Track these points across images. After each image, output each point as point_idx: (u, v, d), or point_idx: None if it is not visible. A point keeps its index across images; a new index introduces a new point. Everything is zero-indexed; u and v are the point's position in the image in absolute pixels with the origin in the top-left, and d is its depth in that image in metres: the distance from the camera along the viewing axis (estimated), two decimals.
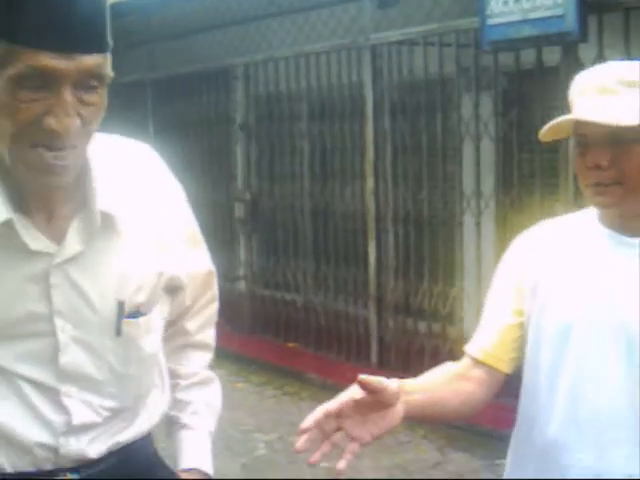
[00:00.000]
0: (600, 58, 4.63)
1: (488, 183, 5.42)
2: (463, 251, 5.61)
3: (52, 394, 1.53)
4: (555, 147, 4.97)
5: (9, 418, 1.52)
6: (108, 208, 1.50)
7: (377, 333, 6.15)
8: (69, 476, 1.56)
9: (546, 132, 1.68)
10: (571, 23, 4.51)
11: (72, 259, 1.49)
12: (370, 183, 6.08)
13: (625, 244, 1.66)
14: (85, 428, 1.56)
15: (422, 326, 5.86)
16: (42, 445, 1.53)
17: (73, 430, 1.55)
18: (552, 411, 1.69)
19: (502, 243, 5.77)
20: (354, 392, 1.55)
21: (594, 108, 1.59)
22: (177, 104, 8.07)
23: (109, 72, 1.41)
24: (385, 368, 5.93)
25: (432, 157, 5.78)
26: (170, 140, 7.88)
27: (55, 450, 1.54)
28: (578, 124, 1.62)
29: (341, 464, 1.52)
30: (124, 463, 1.61)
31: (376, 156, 6.04)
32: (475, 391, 1.77)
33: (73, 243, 1.49)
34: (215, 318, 1.88)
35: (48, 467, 1.54)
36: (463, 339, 5.55)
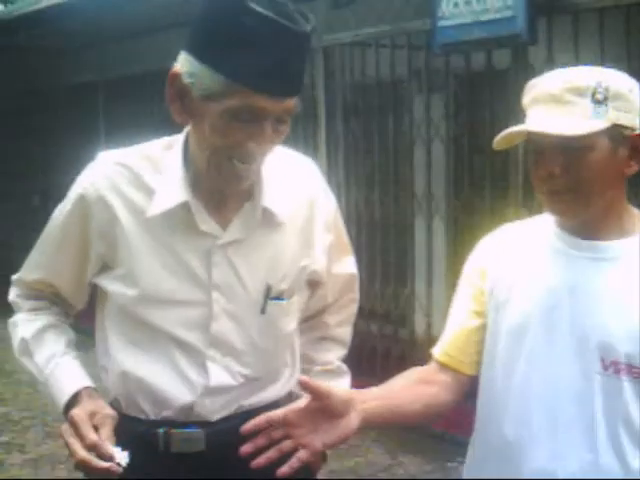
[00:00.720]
0: (550, 60, 4.67)
1: (439, 185, 5.44)
2: (415, 253, 5.62)
3: (199, 357, 1.79)
4: (506, 150, 4.98)
5: (158, 378, 1.79)
6: (270, 205, 1.79)
7: None
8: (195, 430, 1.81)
9: (499, 141, 1.69)
10: (521, 25, 4.53)
11: (233, 243, 1.78)
12: None
13: (580, 247, 1.67)
14: (220, 391, 1.81)
15: (374, 328, 5.85)
16: (182, 402, 1.79)
17: (210, 392, 1.80)
18: (506, 411, 1.70)
19: (453, 245, 5.81)
20: (301, 400, 1.59)
21: (545, 118, 1.59)
22: (129, 105, 7.99)
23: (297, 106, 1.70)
24: None
25: (384, 159, 5.79)
26: (122, 141, 7.74)
27: (191, 407, 1.80)
28: (531, 133, 1.62)
29: (283, 469, 1.53)
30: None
31: (328, 158, 6.03)
32: (439, 394, 1.78)
33: (235, 230, 1.78)
34: (353, 318, 2.16)
35: (181, 419, 1.80)
36: (414, 341, 5.61)
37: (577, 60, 4.52)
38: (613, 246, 1.65)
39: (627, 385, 1.59)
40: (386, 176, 5.80)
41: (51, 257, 1.90)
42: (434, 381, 1.79)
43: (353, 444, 5.22)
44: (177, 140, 1.82)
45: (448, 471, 4.78)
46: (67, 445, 1.69)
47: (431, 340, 5.45)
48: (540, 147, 1.62)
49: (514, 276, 1.73)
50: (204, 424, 1.81)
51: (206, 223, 1.77)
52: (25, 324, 1.91)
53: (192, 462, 1.82)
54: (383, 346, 5.74)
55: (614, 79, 1.61)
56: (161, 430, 1.81)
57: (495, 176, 5.18)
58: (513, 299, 1.71)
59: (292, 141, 6.19)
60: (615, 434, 1.60)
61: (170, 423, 1.81)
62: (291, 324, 1.90)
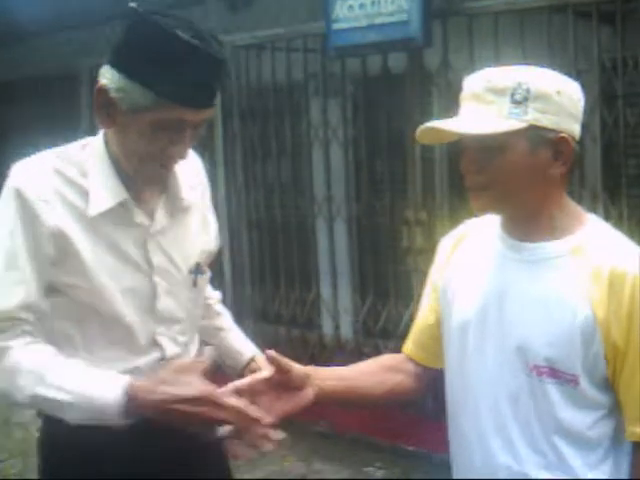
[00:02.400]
0: (445, 64, 4.70)
1: (339, 188, 5.42)
2: (318, 256, 5.60)
3: (151, 335, 2.02)
4: (402, 153, 5.01)
5: (121, 363, 1.96)
6: (182, 194, 2.04)
7: None
8: None
9: (421, 135, 1.72)
10: (415, 29, 4.53)
11: (161, 231, 2.02)
12: (221, 189, 5.96)
13: (514, 248, 1.71)
14: (173, 359, 2.02)
15: (281, 332, 5.81)
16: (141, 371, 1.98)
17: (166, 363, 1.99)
18: (461, 405, 1.79)
19: (356, 247, 5.82)
20: (265, 372, 1.78)
21: (466, 116, 1.63)
22: (19, 109, 7.73)
23: None
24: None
25: (283, 162, 5.73)
26: (13, 145, 7.54)
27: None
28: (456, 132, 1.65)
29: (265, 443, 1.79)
30: None
31: (225, 161, 5.93)
32: (403, 382, 1.93)
33: (161, 219, 2.02)
34: None
35: None
36: (323, 344, 5.59)
37: (472, 63, 4.56)
38: (543, 247, 1.67)
39: (552, 388, 1.63)
40: (285, 179, 5.74)
41: (25, 269, 1.90)
42: (400, 369, 1.94)
43: (266, 452, 5.15)
44: (91, 143, 2.02)
45: (365, 476, 4.78)
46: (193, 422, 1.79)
47: (340, 342, 5.52)
48: (463, 144, 1.66)
49: (461, 276, 1.80)
50: None
51: (139, 216, 1.99)
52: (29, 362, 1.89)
53: (148, 431, 1.89)
54: (292, 350, 5.69)
55: (539, 80, 1.61)
56: None
57: (394, 178, 5.20)
58: (458, 299, 1.78)
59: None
60: (550, 436, 1.65)
61: None
62: (207, 291, 2.26)
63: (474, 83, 1.66)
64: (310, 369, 1.85)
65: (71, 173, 1.94)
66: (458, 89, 4.71)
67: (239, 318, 5.93)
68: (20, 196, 1.89)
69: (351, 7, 4.76)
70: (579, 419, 1.65)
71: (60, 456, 2.04)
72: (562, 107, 1.62)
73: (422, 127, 1.70)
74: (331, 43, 4.91)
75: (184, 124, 1.85)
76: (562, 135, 1.62)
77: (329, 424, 5.18)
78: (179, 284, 2.06)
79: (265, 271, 5.89)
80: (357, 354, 5.37)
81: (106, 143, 1.98)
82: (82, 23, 6.76)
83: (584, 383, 1.62)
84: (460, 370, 1.77)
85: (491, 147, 1.61)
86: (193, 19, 5.77)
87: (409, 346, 1.96)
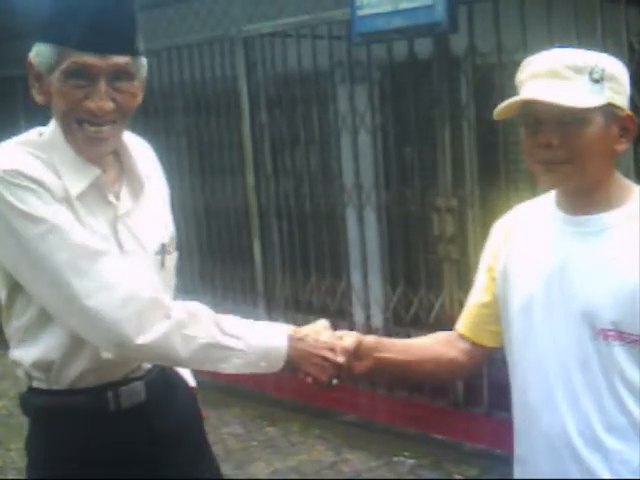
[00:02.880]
0: (471, 48, 4.63)
1: (368, 176, 5.40)
2: (348, 245, 5.57)
3: None
4: (432, 139, 4.96)
5: (96, 348, 1.93)
6: (143, 175, 2.03)
7: None
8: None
9: (500, 111, 1.77)
10: (440, 14, 4.46)
11: (126, 213, 1.99)
12: (250, 179, 5.96)
13: (572, 222, 1.79)
14: None
15: (312, 321, 5.78)
16: (121, 362, 1.98)
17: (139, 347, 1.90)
18: (525, 380, 1.85)
19: (386, 235, 5.78)
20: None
21: (546, 90, 1.69)
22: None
23: (139, 69, 1.91)
24: None
25: (311, 151, 5.71)
26: None
27: (127, 364, 2.01)
28: (527, 105, 1.72)
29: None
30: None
31: (255, 151, 5.92)
32: (457, 358, 2.03)
33: (126, 200, 2.00)
34: None
35: (119, 379, 2.01)
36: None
37: (499, 48, 4.49)
38: (601, 218, 1.76)
39: (619, 350, 1.71)
40: (314, 168, 5.73)
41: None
42: (455, 346, 2.04)
43: (295, 442, 5.19)
44: (45, 129, 1.96)
45: (394, 466, 4.77)
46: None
47: (371, 331, 5.50)
48: (537, 119, 1.72)
49: (519, 256, 1.88)
50: (138, 378, 2.02)
51: (110, 196, 1.97)
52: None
53: (137, 414, 2.03)
54: None
55: (609, 62, 1.75)
56: (109, 392, 1.98)
57: (423, 165, 5.14)
58: (519, 278, 1.86)
59: (216, 133, 6.12)
60: (617, 392, 1.72)
61: (114, 385, 1.99)
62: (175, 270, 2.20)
63: (550, 61, 1.73)
64: (372, 341, 2.05)
65: (43, 157, 1.89)
66: (485, 73, 4.61)
67: (269, 306, 6.03)
68: (21, 175, 1.82)
69: None
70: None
71: (49, 455, 2.03)
72: (625, 88, 1.75)
73: (511, 100, 1.74)
74: (356, 29, 4.87)
75: (93, 73, 1.83)
76: (629, 113, 1.75)
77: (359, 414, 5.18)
78: (150, 265, 2.02)
79: (295, 260, 5.89)
80: None
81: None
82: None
83: None
84: (526, 346, 1.84)
85: (573, 121, 1.69)
86: (218, 7, 5.78)
87: (463, 325, 2.04)
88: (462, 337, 2.03)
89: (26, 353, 1.97)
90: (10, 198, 1.80)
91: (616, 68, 1.75)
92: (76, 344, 1.92)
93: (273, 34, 5.61)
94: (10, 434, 5.42)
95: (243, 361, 1.92)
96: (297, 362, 1.98)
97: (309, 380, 2.02)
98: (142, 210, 2.04)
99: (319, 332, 2.03)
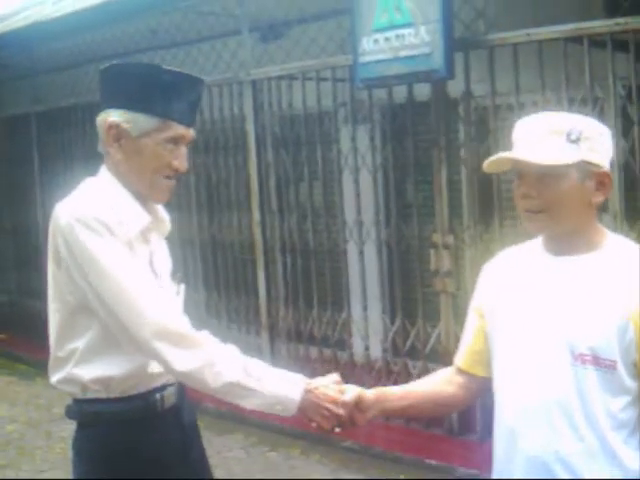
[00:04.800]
0: (467, 93, 4.87)
1: (369, 213, 5.60)
2: (349, 278, 5.77)
3: None
4: (429, 179, 5.18)
5: (143, 359, 2.28)
6: (167, 220, 2.48)
7: (270, 360, 6.22)
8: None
9: (489, 165, 2.02)
10: (438, 61, 4.69)
11: (156, 249, 2.38)
12: (256, 214, 6.17)
13: (556, 262, 2.00)
14: None
15: (313, 352, 5.98)
16: (159, 371, 2.30)
17: None
18: (506, 404, 2.05)
19: (386, 270, 5.98)
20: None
21: (525, 150, 1.94)
22: (62, 136, 8.02)
23: None
24: None
25: (314, 188, 5.93)
26: (55, 171, 7.83)
27: (163, 374, 2.31)
28: (515, 161, 1.96)
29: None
30: None
31: (260, 188, 6.14)
32: (456, 393, 2.25)
33: (155, 239, 2.39)
34: None
35: (159, 385, 2.35)
36: (354, 364, 5.75)
37: (493, 92, 4.73)
38: (580, 259, 1.98)
39: (594, 374, 1.91)
40: (317, 205, 5.94)
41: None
42: (452, 382, 2.25)
43: (296, 465, 5.33)
44: (96, 181, 2.35)
45: None
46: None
47: (370, 362, 5.67)
48: (521, 172, 1.96)
49: (506, 294, 2.08)
50: (171, 384, 2.37)
51: (148, 234, 2.36)
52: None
53: (173, 414, 2.40)
54: (324, 370, 5.84)
55: (588, 124, 1.97)
56: (158, 395, 2.34)
57: (422, 202, 5.37)
58: (506, 313, 2.07)
59: (224, 170, 6.32)
60: (591, 417, 1.91)
61: (158, 390, 2.35)
62: None
63: (534, 125, 1.97)
64: (372, 396, 2.28)
65: (105, 206, 2.25)
66: (481, 115, 4.91)
67: (272, 337, 6.19)
68: (108, 226, 2.20)
69: (376, 41, 4.94)
70: (614, 402, 1.91)
71: (93, 457, 2.35)
72: (603, 147, 1.98)
73: (493, 157, 2.00)
74: (358, 75, 5.11)
75: (182, 141, 2.32)
76: (604, 170, 1.96)
77: (357, 440, 5.34)
78: (171, 293, 2.42)
79: (298, 292, 6.08)
80: (386, 373, 5.54)
81: (114, 176, 2.34)
82: (117, 53, 7.01)
83: (620, 368, 1.90)
84: (510, 374, 2.04)
85: (549, 176, 1.91)
86: (227, 50, 6.02)
87: (460, 359, 2.25)
88: (460, 371, 2.25)
89: (85, 371, 2.28)
90: (83, 238, 2.18)
91: (595, 130, 1.97)
92: (135, 361, 2.27)
93: (280, 77, 5.87)
94: (22, 457, 5.58)
95: (261, 402, 2.25)
96: (306, 410, 2.29)
97: (314, 425, 2.33)
98: (162, 246, 2.46)
99: (327, 386, 2.32)
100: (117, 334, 2.22)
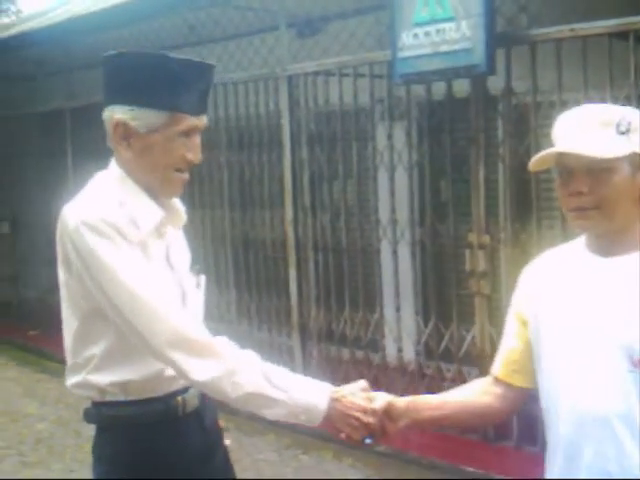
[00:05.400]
0: (508, 90, 4.76)
1: (403, 211, 5.50)
2: (382, 278, 5.67)
3: None
4: (466, 177, 5.08)
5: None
6: (182, 212, 2.34)
7: (302, 361, 6.16)
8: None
9: (535, 162, 1.92)
10: (479, 56, 4.59)
11: (173, 242, 2.28)
12: (289, 212, 6.10)
13: (604, 263, 1.90)
14: None
15: (345, 353, 5.89)
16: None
17: None
18: (560, 416, 1.93)
19: (420, 270, 5.89)
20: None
21: (575, 143, 1.84)
22: (96, 132, 7.99)
23: None
24: None
25: (349, 186, 5.85)
26: (88, 167, 7.78)
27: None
28: (560, 156, 1.87)
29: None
30: None
31: (294, 185, 6.07)
32: (492, 404, 2.14)
33: (171, 232, 2.28)
34: None
35: (180, 388, 2.24)
36: (386, 365, 5.66)
37: (535, 89, 4.62)
38: (630, 259, 1.87)
39: None
40: (351, 203, 5.86)
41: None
42: (488, 392, 2.14)
43: (329, 469, 5.25)
44: (106, 178, 2.22)
45: None
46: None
47: (402, 364, 5.58)
48: (569, 168, 1.86)
49: (551, 299, 1.97)
50: (190, 387, 2.24)
51: (164, 229, 2.25)
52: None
53: (194, 417, 2.29)
54: (356, 371, 5.76)
55: (635, 115, 1.88)
56: (179, 398, 2.24)
57: (458, 201, 5.26)
58: (552, 320, 1.96)
59: (258, 167, 6.27)
60: None
61: (179, 392, 2.24)
62: None
63: (581, 116, 1.88)
64: (404, 404, 2.19)
65: (121, 201, 2.15)
66: (521, 113, 4.77)
67: (303, 338, 6.11)
68: (119, 230, 2.08)
69: (416, 35, 4.85)
70: None
71: (113, 461, 2.25)
72: None
73: (544, 152, 1.89)
74: (397, 70, 5.02)
75: (195, 131, 2.18)
76: None
77: (391, 445, 5.24)
78: (190, 286, 2.34)
79: (330, 292, 6.00)
80: (419, 376, 5.43)
81: (125, 172, 2.21)
82: (155, 49, 6.98)
83: None
84: (561, 386, 1.92)
85: (601, 170, 1.82)
86: (264, 46, 5.97)
87: (498, 369, 2.14)
88: (497, 381, 2.13)
89: (102, 377, 2.19)
90: (92, 243, 2.07)
91: None
92: (153, 365, 2.16)
93: (316, 73, 5.80)
94: (52, 455, 5.58)
95: (285, 412, 2.13)
96: (333, 420, 2.17)
97: (343, 437, 2.20)
98: (179, 239, 2.36)
99: (355, 394, 2.20)
100: (133, 340, 2.11)
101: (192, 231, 6.84)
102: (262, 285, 6.52)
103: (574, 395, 1.89)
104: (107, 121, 2.19)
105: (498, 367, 2.13)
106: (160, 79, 2.12)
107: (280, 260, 6.34)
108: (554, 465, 1.98)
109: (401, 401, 2.20)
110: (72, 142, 8.46)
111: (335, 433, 2.20)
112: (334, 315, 5.97)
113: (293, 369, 6.41)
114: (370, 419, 2.16)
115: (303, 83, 5.95)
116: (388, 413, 2.17)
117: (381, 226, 5.61)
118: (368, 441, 2.21)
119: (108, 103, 2.19)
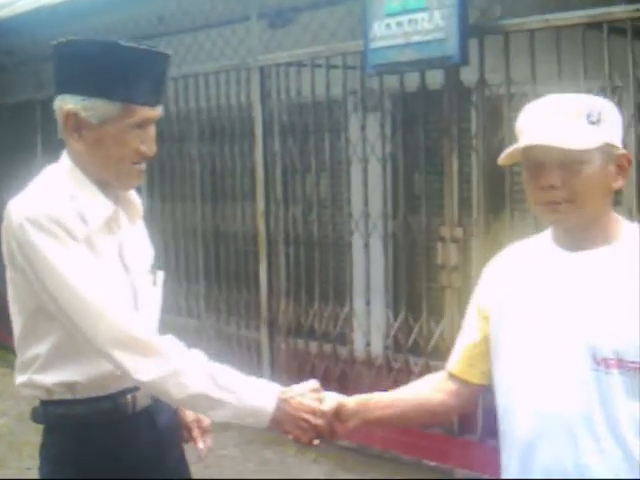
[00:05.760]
0: (482, 81, 4.73)
1: (376, 204, 5.45)
2: (353, 272, 5.62)
3: None
4: (440, 169, 5.04)
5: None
6: (137, 204, 2.28)
7: (269, 355, 6.10)
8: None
9: (504, 158, 1.86)
10: (452, 47, 4.55)
11: (127, 237, 2.19)
12: (261, 205, 6.05)
13: (571, 258, 1.85)
14: None
15: (313, 347, 5.83)
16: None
17: None
18: (516, 414, 1.89)
19: (391, 264, 5.83)
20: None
21: (547, 135, 1.76)
22: None
23: None
24: None
25: (321, 178, 5.79)
26: (58, 158, 7.68)
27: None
28: (529, 149, 1.79)
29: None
30: None
31: (266, 177, 6.01)
32: (445, 402, 2.09)
33: (125, 227, 2.20)
34: None
35: (130, 385, 2.14)
36: (354, 360, 5.61)
37: (508, 80, 4.59)
38: (599, 253, 1.83)
39: (618, 378, 1.75)
40: (324, 196, 5.80)
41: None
42: (442, 389, 2.09)
43: (291, 464, 5.20)
44: (58, 170, 2.16)
45: None
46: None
47: (370, 358, 5.53)
48: (538, 161, 1.79)
49: (514, 294, 1.92)
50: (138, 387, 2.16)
51: (115, 224, 2.17)
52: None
53: (145, 416, 2.22)
54: (323, 365, 5.72)
55: (604, 104, 1.84)
56: (129, 396, 2.17)
57: (431, 194, 5.22)
58: (512, 313, 1.91)
59: (229, 159, 6.20)
60: (615, 425, 1.75)
61: (130, 390, 2.16)
62: None
63: (548, 107, 1.80)
64: (353, 404, 2.15)
65: (69, 194, 2.08)
66: (495, 104, 4.69)
67: (272, 332, 6.06)
68: (65, 226, 2.01)
69: (388, 26, 4.80)
70: (637, 406, 1.75)
71: (73, 457, 2.18)
72: (619, 127, 1.84)
73: (518, 145, 1.81)
74: (369, 61, 4.97)
75: (148, 122, 2.12)
76: (624, 152, 1.83)
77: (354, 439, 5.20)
78: (145, 284, 2.24)
79: (300, 286, 5.94)
80: (387, 370, 5.38)
81: (76, 164, 2.14)
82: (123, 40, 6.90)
83: None
84: (520, 382, 1.87)
85: (573, 162, 1.76)
86: (235, 36, 5.89)
87: (454, 364, 2.08)
88: (452, 377, 2.08)
89: (48, 377, 2.12)
90: (35, 240, 2.00)
91: (611, 109, 1.83)
92: (101, 366, 2.09)
93: (289, 64, 5.74)
94: (12, 452, 5.46)
95: (231, 414, 2.09)
96: (281, 422, 2.13)
97: (291, 438, 2.16)
98: (136, 234, 2.27)
99: (304, 395, 2.16)
100: (79, 339, 2.05)
101: (162, 224, 6.87)
102: (232, 279, 6.45)
103: (533, 393, 1.84)
104: (57, 111, 2.12)
105: (454, 362, 2.08)
106: (113, 68, 2.05)
107: (251, 254, 6.27)
108: (509, 466, 1.92)
109: (351, 401, 2.16)
110: (42, 133, 8.35)
111: (283, 434, 2.16)
112: (303, 309, 5.91)
113: (260, 363, 6.40)
114: (319, 421, 2.13)
115: (275, 74, 5.88)
116: (338, 414, 2.13)
117: (353, 219, 5.56)
118: (316, 442, 2.18)
119: (58, 92, 2.12)
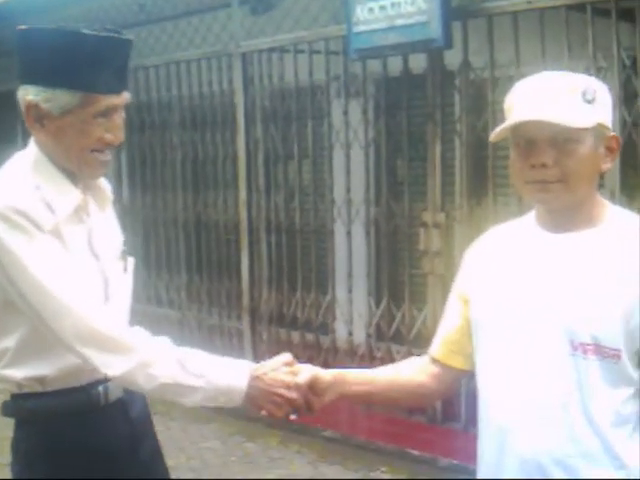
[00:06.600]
0: (466, 64, 4.70)
1: (358, 191, 5.40)
2: (335, 259, 5.57)
3: None
4: (423, 154, 5.00)
5: None
6: (107, 191, 2.27)
7: (251, 345, 6.04)
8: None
9: (497, 134, 1.79)
10: (435, 30, 4.52)
11: (96, 225, 2.16)
12: (242, 193, 5.99)
13: (553, 240, 1.80)
14: None
15: (295, 336, 5.78)
16: None
17: None
18: (493, 400, 1.85)
19: (374, 251, 5.79)
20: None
21: (541, 111, 1.70)
22: None
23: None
24: None
25: (303, 165, 5.75)
26: None
27: None
28: (518, 127, 1.73)
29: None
30: None
31: (248, 165, 5.95)
32: (426, 384, 2.04)
33: (94, 214, 2.17)
34: None
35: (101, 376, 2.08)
36: (336, 349, 5.55)
37: (492, 64, 4.56)
38: (582, 235, 1.78)
39: (596, 364, 1.71)
40: (306, 182, 5.75)
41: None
42: (424, 371, 2.04)
43: (275, 457, 5.15)
44: (24, 159, 2.11)
45: None
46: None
47: (352, 347, 5.48)
48: (529, 139, 1.73)
49: (495, 277, 1.88)
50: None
51: (84, 212, 2.14)
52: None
53: (119, 407, 2.20)
54: (305, 355, 5.64)
55: (598, 84, 1.79)
56: (100, 387, 2.13)
57: (414, 180, 5.18)
58: (492, 296, 1.87)
59: (211, 147, 6.13)
60: (591, 414, 1.71)
61: (101, 382, 2.12)
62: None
63: (542, 83, 1.75)
64: (329, 377, 2.07)
65: (35, 184, 2.05)
66: (479, 88, 4.63)
67: (254, 322, 6.00)
68: (13, 210, 1.97)
69: (371, 10, 4.77)
70: (616, 395, 1.72)
71: (30, 455, 2.14)
72: (610, 109, 1.80)
73: (514, 120, 1.74)
74: (352, 45, 4.94)
75: (113, 110, 2.07)
76: (614, 134, 1.80)
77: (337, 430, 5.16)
78: (116, 271, 2.22)
79: (282, 274, 5.89)
80: (369, 358, 5.33)
81: (42, 153, 2.11)
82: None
83: (624, 357, 1.70)
84: (498, 366, 1.84)
85: (566, 141, 1.71)
86: (217, 23, 5.83)
87: (435, 349, 2.04)
88: (434, 361, 2.03)
89: (18, 371, 2.08)
90: (1, 234, 1.96)
91: (604, 90, 1.78)
92: (69, 359, 2.05)
93: (271, 49, 5.69)
94: None
95: (203, 396, 2.05)
96: (255, 399, 2.10)
97: (264, 413, 2.12)
98: (106, 221, 2.24)
99: (277, 369, 2.12)
100: (47, 335, 2.02)
101: (143, 213, 6.81)
102: (213, 268, 6.38)
103: (510, 380, 1.80)
104: (20, 102, 2.07)
105: (436, 347, 2.04)
106: (73, 57, 2.00)
107: (232, 242, 6.21)
108: (484, 452, 1.88)
109: (328, 374, 2.09)
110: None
111: (257, 411, 2.12)
112: (286, 297, 5.85)
113: (242, 353, 6.33)
114: (293, 394, 2.08)
115: (257, 60, 5.83)
116: (313, 387, 2.07)
117: (336, 206, 5.50)
118: (293, 417, 2.14)
119: (21, 82, 2.07)
